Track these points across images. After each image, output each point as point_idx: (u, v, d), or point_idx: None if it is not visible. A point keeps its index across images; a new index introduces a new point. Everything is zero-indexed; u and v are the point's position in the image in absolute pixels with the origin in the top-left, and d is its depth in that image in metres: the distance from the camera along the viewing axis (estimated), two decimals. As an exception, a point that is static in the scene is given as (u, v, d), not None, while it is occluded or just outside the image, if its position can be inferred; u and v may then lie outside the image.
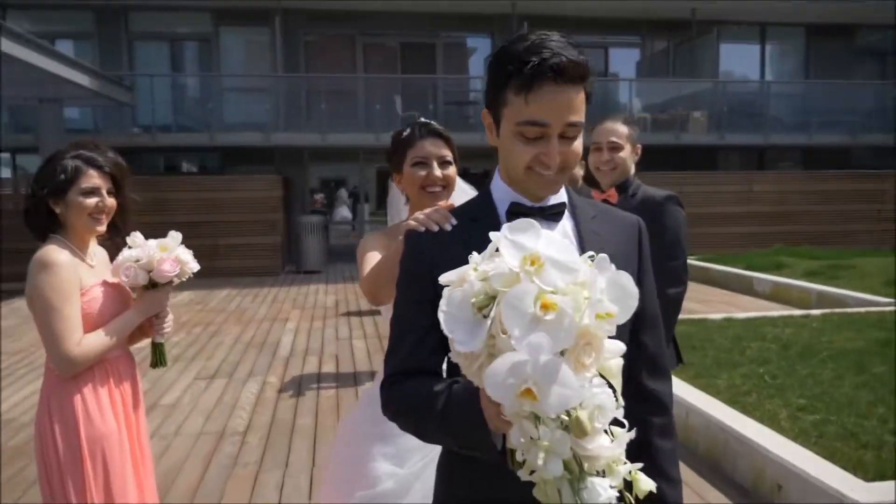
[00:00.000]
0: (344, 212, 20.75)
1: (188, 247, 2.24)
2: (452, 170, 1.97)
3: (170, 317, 2.28)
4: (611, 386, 0.87)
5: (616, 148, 2.69)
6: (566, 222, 1.23)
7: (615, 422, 0.87)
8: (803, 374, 4.58)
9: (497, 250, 0.89)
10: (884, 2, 14.30)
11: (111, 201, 2.13)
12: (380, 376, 1.92)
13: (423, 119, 2.04)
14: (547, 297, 0.80)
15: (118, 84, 11.88)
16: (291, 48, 14.51)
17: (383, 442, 1.93)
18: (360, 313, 8.71)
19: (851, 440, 3.46)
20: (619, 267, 0.99)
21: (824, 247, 12.62)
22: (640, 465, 0.92)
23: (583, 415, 0.80)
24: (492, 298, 0.83)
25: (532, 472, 0.84)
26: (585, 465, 0.83)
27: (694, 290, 9.92)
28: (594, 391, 0.82)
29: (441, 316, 0.87)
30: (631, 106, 15.11)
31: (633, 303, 0.89)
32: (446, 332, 0.86)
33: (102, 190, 2.10)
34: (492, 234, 0.91)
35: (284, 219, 12.91)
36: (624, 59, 16.68)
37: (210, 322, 8.21)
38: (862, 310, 7.00)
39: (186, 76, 14.81)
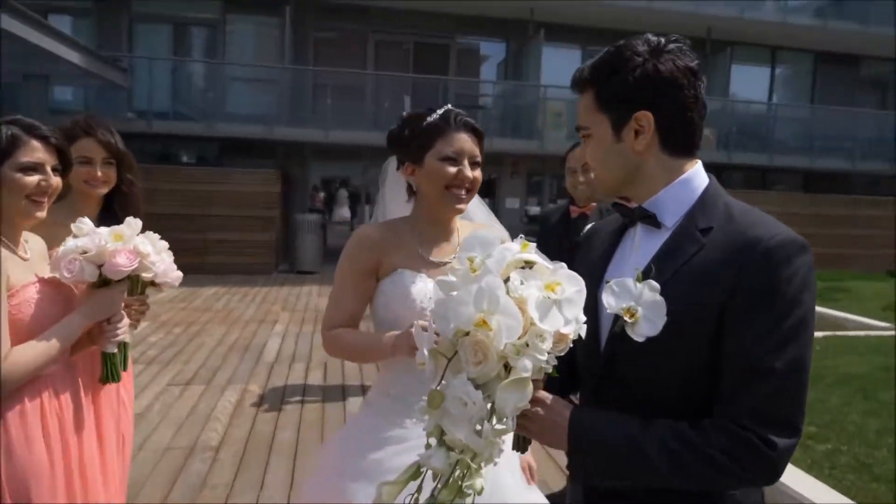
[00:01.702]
0: (344, 212, 20.38)
1: (173, 242, 1.85)
2: (479, 173, 1.69)
3: (124, 321, 1.85)
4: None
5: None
6: (665, 232, 1.17)
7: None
8: (811, 398, 4.37)
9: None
10: (886, 35, 14.81)
11: (56, 181, 1.71)
12: (373, 398, 1.77)
13: (450, 106, 1.69)
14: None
15: (113, 65, 11.44)
16: (301, 40, 14.10)
17: (367, 479, 1.59)
18: (352, 319, 8.28)
19: (864, 472, 3.40)
20: (680, 298, 1.06)
21: (822, 270, 12.41)
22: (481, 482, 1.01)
23: (441, 396, 0.99)
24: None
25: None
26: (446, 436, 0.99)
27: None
28: (458, 383, 0.97)
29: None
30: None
31: (515, 325, 0.95)
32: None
33: (47, 166, 1.68)
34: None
35: (281, 216, 12.48)
36: (638, 73, 16.33)
37: (192, 322, 7.73)
38: (861, 333, 7.04)
39: (188, 61, 14.29)
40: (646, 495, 1.12)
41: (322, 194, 18.93)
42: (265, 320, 7.94)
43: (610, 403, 1.15)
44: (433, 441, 1.01)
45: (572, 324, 0.99)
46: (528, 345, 0.97)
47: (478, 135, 1.69)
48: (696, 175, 1.18)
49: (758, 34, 15.18)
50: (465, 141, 1.65)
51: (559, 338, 0.99)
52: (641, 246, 1.18)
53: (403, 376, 1.67)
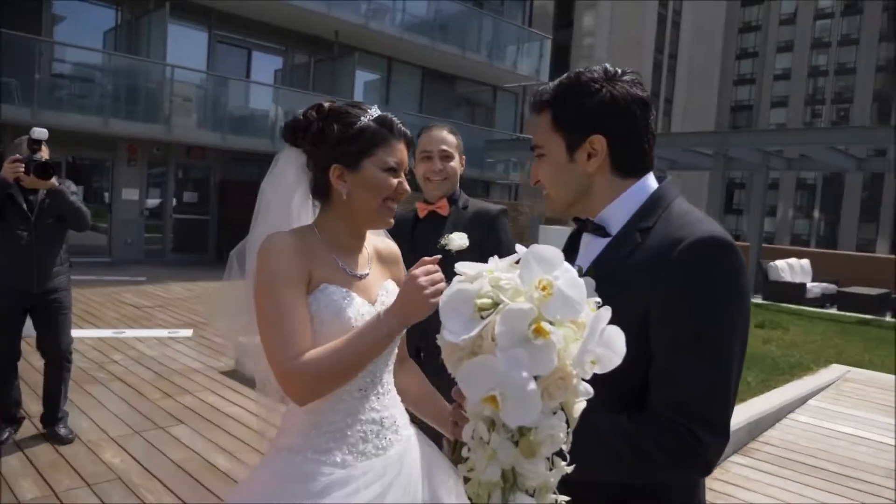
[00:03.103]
0: None
1: None
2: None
3: None
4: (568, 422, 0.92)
5: (448, 157, 2.56)
6: (603, 241, 1.22)
7: (559, 453, 0.92)
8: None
9: (517, 262, 0.93)
10: (477, 61, 17.79)
11: None
12: (298, 442, 1.45)
13: (377, 108, 1.55)
14: (543, 324, 0.85)
15: None
16: None
17: None
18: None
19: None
20: (612, 296, 1.00)
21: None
22: (566, 498, 0.93)
23: (534, 438, 0.87)
24: (495, 305, 0.88)
25: (470, 470, 0.90)
26: (518, 481, 0.90)
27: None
28: (552, 422, 0.87)
29: (442, 301, 0.90)
30: (276, 112, 14.56)
31: (616, 360, 0.90)
32: (441, 317, 0.89)
33: None
34: (519, 247, 0.94)
35: None
36: (266, 65, 16.04)
37: None
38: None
39: None
40: (585, 488, 1.04)
41: None
42: None
43: None
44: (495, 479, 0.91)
45: None
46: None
47: (409, 144, 1.58)
48: (643, 185, 1.22)
49: (379, 45, 16.34)
50: (404, 152, 1.55)
51: None
52: (590, 246, 1.24)
53: (337, 405, 1.46)
